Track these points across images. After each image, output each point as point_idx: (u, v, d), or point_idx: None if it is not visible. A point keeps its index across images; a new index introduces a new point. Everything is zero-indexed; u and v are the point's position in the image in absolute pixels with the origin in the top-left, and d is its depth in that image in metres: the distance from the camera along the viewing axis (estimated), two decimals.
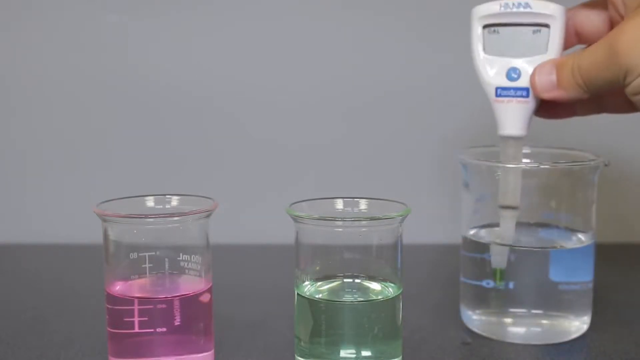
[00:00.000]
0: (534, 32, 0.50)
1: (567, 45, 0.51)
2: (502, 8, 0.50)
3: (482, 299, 0.55)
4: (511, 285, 0.53)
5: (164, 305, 0.46)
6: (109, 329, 0.47)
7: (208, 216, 0.47)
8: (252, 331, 0.56)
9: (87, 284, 0.67)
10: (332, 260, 0.47)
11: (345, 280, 0.47)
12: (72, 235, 0.80)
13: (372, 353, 0.46)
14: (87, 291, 0.65)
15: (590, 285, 0.55)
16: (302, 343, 0.47)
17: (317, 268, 0.47)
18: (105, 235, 0.47)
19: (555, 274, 0.53)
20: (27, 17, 0.80)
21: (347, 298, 0.46)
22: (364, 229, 0.46)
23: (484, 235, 0.56)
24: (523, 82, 0.50)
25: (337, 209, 0.49)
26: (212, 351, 0.49)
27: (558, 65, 0.48)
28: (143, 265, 0.46)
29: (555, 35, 0.49)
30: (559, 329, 0.54)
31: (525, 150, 0.55)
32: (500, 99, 0.51)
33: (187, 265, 0.47)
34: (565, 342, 0.54)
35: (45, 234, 0.82)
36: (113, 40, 0.80)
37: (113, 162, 0.82)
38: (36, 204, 0.83)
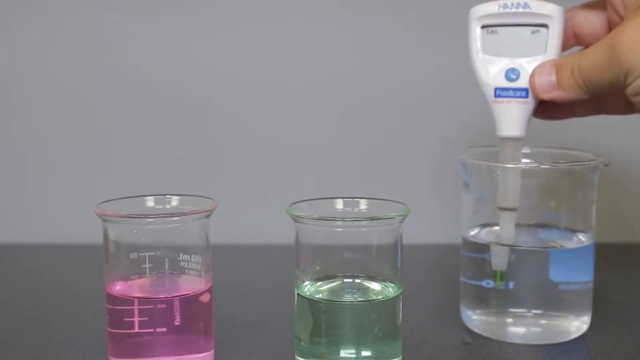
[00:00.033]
0: (533, 32, 0.50)
1: (565, 46, 0.51)
2: (501, 8, 0.50)
3: (482, 299, 0.55)
4: (511, 285, 0.53)
5: (164, 305, 0.46)
6: (109, 329, 0.47)
7: (208, 216, 0.47)
8: (252, 331, 0.56)
9: (87, 284, 0.67)
10: (332, 260, 0.47)
11: (345, 280, 0.47)
12: (72, 235, 0.80)
13: (372, 353, 0.46)
14: (87, 291, 0.65)
15: (590, 285, 0.55)
16: (302, 343, 0.47)
17: (317, 268, 0.47)
18: (105, 235, 0.47)
19: (555, 274, 0.53)
20: (27, 17, 0.80)
21: (347, 298, 0.46)
22: (364, 229, 0.46)
23: (484, 235, 0.56)
24: (522, 82, 0.50)
25: (337, 209, 0.49)
26: (212, 351, 0.49)
27: (558, 66, 0.48)
28: (143, 265, 0.46)
29: (554, 36, 0.49)
30: (559, 329, 0.54)
31: (525, 150, 0.55)
32: (499, 99, 0.51)
33: (187, 265, 0.47)
34: (565, 342, 0.54)
35: (45, 234, 0.82)
36: (113, 40, 0.80)
37: (113, 162, 0.82)
38: (36, 204, 0.83)
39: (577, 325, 0.55)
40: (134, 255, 0.46)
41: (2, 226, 0.83)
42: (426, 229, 0.80)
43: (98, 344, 0.53)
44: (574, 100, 0.48)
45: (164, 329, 0.46)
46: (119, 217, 0.45)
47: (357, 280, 0.47)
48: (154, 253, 0.46)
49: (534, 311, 0.54)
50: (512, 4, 0.49)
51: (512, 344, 0.53)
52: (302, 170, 0.82)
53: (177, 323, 0.46)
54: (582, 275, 0.55)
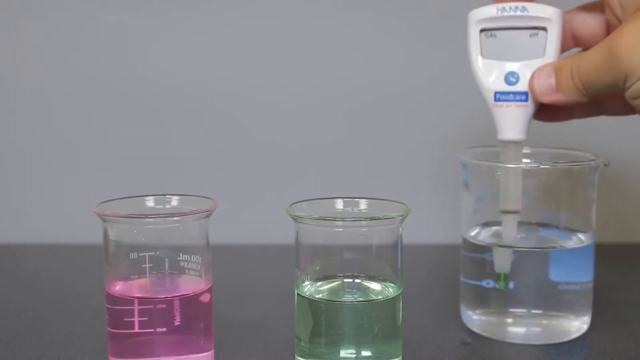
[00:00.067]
0: (531, 35, 0.50)
1: (564, 48, 0.51)
2: (499, 12, 0.50)
3: (482, 299, 0.55)
4: (511, 285, 0.53)
5: (164, 305, 0.46)
6: (109, 329, 0.47)
7: (208, 216, 0.47)
8: (252, 331, 0.56)
9: (87, 284, 0.67)
10: (332, 260, 0.47)
11: (345, 280, 0.47)
12: (72, 235, 0.80)
13: (372, 353, 0.46)
14: (87, 291, 0.65)
15: (590, 285, 0.55)
16: (302, 343, 0.47)
17: (317, 268, 0.47)
18: (105, 235, 0.47)
19: (555, 274, 0.53)
20: (27, 17, 0.80)
21: (347, 298, 0.46)
22: (364, 229, 0.46)
23: (484, 235, 0.56)
24: (521, 86, 0.50)
25: (337, 209, 0.49)
26: (212, 351, 0.49)
27: (557, 69, 0.48)
28: (143, 265, 0.46)
29: (553, 39, 0.49)
30: (559, 329, 0.54)
31: (525, 151, 0.55)
32: (499, 103, 0.51)
33: (187, 265, 0.47)
34: (565, 342, 0.54)
35: (45, 234, 0.82)
36: (113, 40, 0.80)
37: (113, 162, 0.82)
38: (36, 204, 0.83)
39: (577, 325, 0.55)
40: (134, 255, 0.46)
41: (2, 226, 0.83)
42: (426, 229, 0.80)
43: (98, 344, 0.53)
44: (573, 103, 0.48)
45: (164, 329, 0.46)
46: (119, 217, 0.45)
47: (357, 280, 0.47)
48: (154, 253, 0.46)
49: (534, 311, 0.54)
50: (510, 8, 0.49)
51: (512, 344, 0.53)
52: (302, 170, 0.82)
53: (177, 323, 0.46)
54: (582, 275, 0.55)
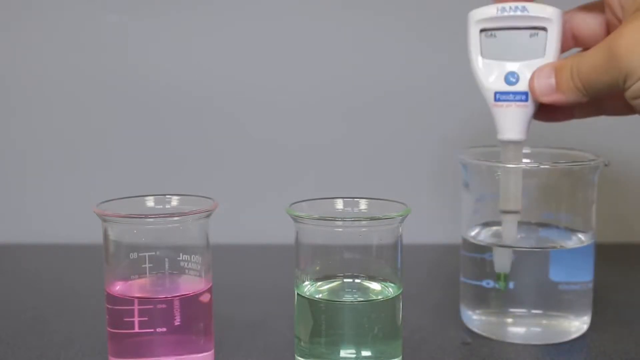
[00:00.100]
0: (531, 35, 0.50)
1: (564, 48, 0.51)
2: (499, 12, 0.50)
3: (482, 299, 0.55)
4: (511, 285, 0.53)
5: (164, 305, 0.46)
6: (109, 329, 0.47)
7: (208, 216, 0.47)
8: (252, 331, 0.56)
9: (87, 284, 0.67)
10: (332, 260, 0.47)
11: (345, 280, 0.47)
12: (72, 235, 0.80)
13: (372, 353, 0.46)
14: (87, 291, 0.65)
15: (590, 285, 0.55)
16: (302, 343, 0.47)
17: (317, 268, 0.47)
18: (105, 235, 0.47)
19: (555, 274, 0.53)
20: (27, 17, 0.80)
21: (347, 298, 0.46)
22: (364, 229, 0.46)
23: (484, 235, 0.56)
24: (521, 86, 0.50)
25: (337, 209, 0.49)
26: (212, 351, 0.49)
27: (557, 69, 0.48)
28: (143, 265, 0.46)
29: (553, 39, 0.49)
30: (559, 329, 0.54)
31: (525, 151, 0.55)
32: (499, 103, 0.51)
33: (187, 265, 0.47)
34: (565, 342, 0.54)
35: (45, 234, 0.82)
36: (113, 40, 0.80)
37: (113, 162, 0.82)
38: (36, 204, 0.83)
39: (577, 325, 0.55)
40: (134, 255, 0.46)
41: (2, 226, 0.83)
42: (426, 229, 0.80)
43: (98, 344, 0.53)
44: (573, 103, 0.48)
45: (164, 329, 0.46)
46: (119, 217, 0.45)
47: (357, 280, 0.47)
48: (154, 253, 0.46)
49: (534, 311, 0.54)
50: (510, 8, 0.49)
51: (512, 344, 0.53)
52: (302, 170, 0.82)
53: (177, 323, 0.46)
54: (582, 275, 0.55)
